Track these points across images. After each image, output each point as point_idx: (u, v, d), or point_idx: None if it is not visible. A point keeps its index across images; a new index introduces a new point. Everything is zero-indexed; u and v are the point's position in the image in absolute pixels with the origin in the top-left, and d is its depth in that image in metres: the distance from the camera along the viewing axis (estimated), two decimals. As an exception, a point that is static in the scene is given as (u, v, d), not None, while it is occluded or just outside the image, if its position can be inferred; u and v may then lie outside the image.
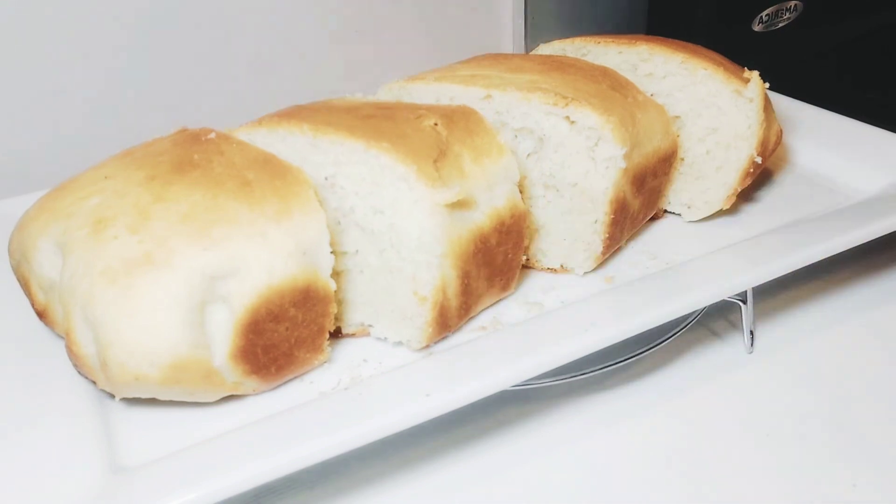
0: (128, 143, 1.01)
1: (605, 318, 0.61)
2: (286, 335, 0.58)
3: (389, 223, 0.61)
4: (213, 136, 0.64)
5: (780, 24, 1.42)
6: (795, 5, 1.41)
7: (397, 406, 0.54)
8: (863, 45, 1.43)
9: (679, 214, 0.82)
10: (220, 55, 1.09)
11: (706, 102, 0.77)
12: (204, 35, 1.06)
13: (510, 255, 0.66)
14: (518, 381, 0.57)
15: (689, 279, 0.66)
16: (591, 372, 0.66)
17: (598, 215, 0.70)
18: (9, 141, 0.99)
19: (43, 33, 0.96)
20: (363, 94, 0.75)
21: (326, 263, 0.59)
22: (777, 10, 1.40)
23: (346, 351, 0.65)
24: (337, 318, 0.64)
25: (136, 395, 0.56)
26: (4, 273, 0.67)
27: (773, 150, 0.80)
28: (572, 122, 0.69)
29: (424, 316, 0.61)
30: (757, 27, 1.39)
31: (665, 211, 0.83)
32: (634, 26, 1.51)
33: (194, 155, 0.61)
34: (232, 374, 0.57)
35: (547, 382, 0.64)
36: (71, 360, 0.57)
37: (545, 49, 0.88)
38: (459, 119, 0.65)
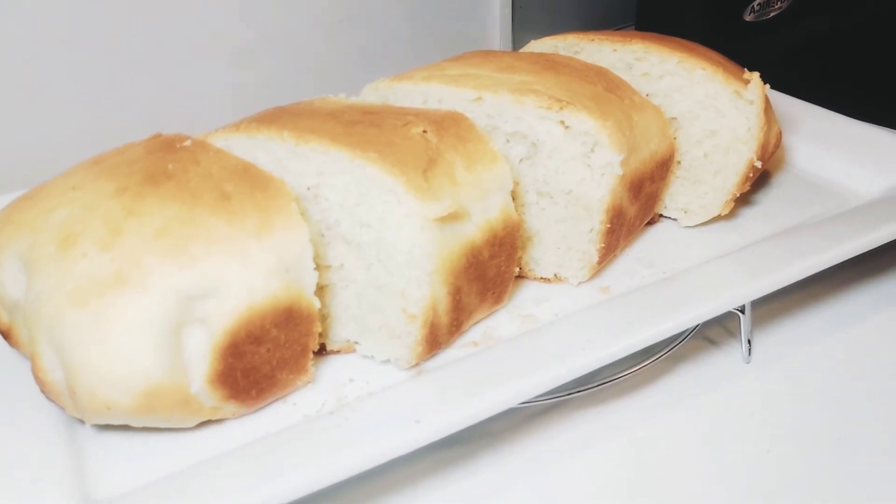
0: (99, 141, 0.97)
1: (601, 335, 0.59)
2: (267, 357, 0.55)
3: (377, 237, 0.58)
4: (188, 143, 0.60)
5: (772, 14, 1.40)
6: (787, -6, 1.39)
7: (386, 434, 0.51)
8: (857, 35, 1.41)
9: (675, 219, 0.79)
10: (197, 49, 1.04)
11: (704, 104, 0.75)
12: (180, 27, 1.02)
13: (503, 268, 0.64)
14: (512, 405, 0.55)
15: (687, 293, 0.64)
16: (586, 389, 0.63)
17: (593, 224, 0.67)
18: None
19: (9, 27, 0.91)
20: (346, 95, 0.71)
21: (310, 280, 0.56)
22: (769, 0, 1.38)
23: (330, 369, 0.62)
24: (321, 335, 0.61)
25: (108, 423, 0.53)
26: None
27: (773, 153, 0.78)
28: (567, 126, 0.66)
29: (414, 334, 0.58)
30: (748, 17, 1.37)
31: (660, 215, 0.80)
32: (623, 14, 1.48)
33: (168, 165, 0.57)
34: (210, 398, 0.54)
35: (540, 401, 0.61)
36: (37, 384, 0.54)
37: (537, 46, 0.84)
38: (450, 125, 0.62)
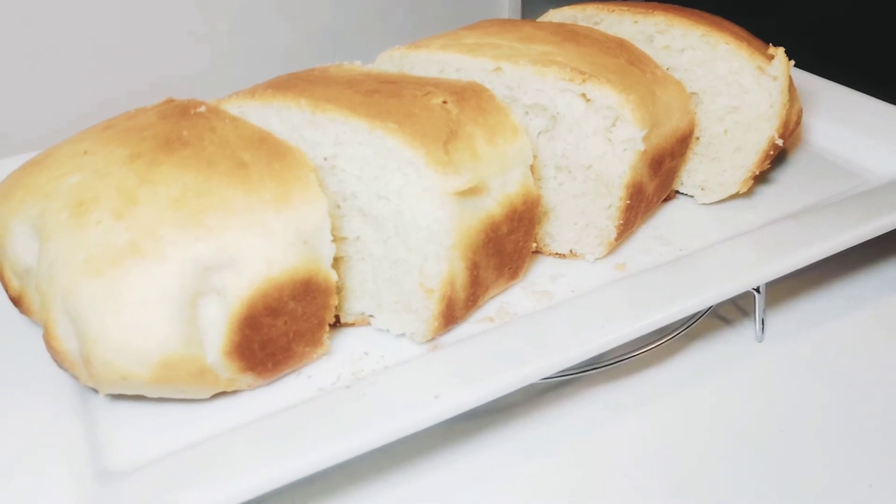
0: (107, 104, 0.96)
1: (618, 315, 0.58)
2: (284, 329, 0.55)
3: (395, 210, 0.57)
4: (202, 109, 0.59)
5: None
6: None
7: (405, 410, 0.51)
8: (879, 12, 1.38)
9: (692, 196, 0.78)
10: (206, 13, 1.01)
11: (727, 80, 0.73)
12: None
13: (521, 244, 0.63)
14: (529, 382, 0.54)
15: (704, 273, 0.64)
16: (601, 367, 0.63)
17: (612, 200, 0.66)
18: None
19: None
20: (361, 62, 0.70)
21: (328, 253, 0.55)
22: (787, -30, 1.34)
23: (345, 342, 0.61)
24: (336, 307, 0.60)
25: (123, 392, 0.53)
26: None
27: (793, 131, 0.77)
28: (589, 100, 0.64)
29: (431, 309, 0.58)
30: (769, -11, 1.34)
31: (677, 192, 0.79)
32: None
33: (183, 131, 0.56)
34: (226, 370, 0.53)
35: (555, 378, 0.61)
36: (50, 353, 0.53)
37: (555, 16, 0.82)
38: (470, 97, 0.61)
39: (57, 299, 0.50)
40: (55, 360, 0.53)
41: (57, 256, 0.51)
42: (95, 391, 0.54)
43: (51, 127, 0.92)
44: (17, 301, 0.57)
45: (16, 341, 0.59)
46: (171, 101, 0.62)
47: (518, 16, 1.29)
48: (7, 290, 0.57)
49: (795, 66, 0.73)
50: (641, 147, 0.64)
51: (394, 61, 0.72)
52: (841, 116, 0.87)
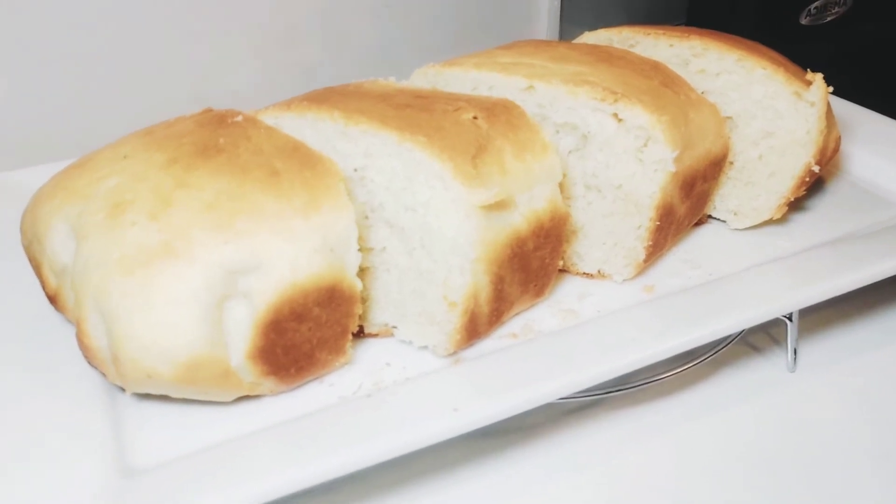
0: (149, 115, 0.98)
1: (644, 335, 0.57)
2: (308, 335, 0.55)
3: (421, 222, 0.57)
4: (239, 118, 0.60)
5: (829, 18, 1.36)
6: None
7: (423, 420, 0.51)
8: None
9: (724, 221, 0.77)
10: (247, 30, 1.04)
11: (762, 104, 0.73)
12: (230, 7, 1.02)
13: (547, 261, 0.63)
14: (550, 400, 0.54)
15: (734, 296, 0.63)
16: (625, 389, 0.62)
17: (642, 221, 0.66)
18: (28, 109, 0.95)
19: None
20: (395, 79, 0.71)
21: (354, 261, 0.56)
22: (826, 3, 1.34)
23: (368, 352, 0.61)
24: (360, 317, 0.61)
25: (148, 391, 0.54)
26: (17, 250, 0.64)
27: (831, 158, 0.75)
28: (620, 119, 0.64)
29: (453, 322, 0.58)
30: (804, 20, 1.34)
31: (709, 216, 0.78)
32: (670, 11, 1.45)
33: (220, 139, 0.58)
34: (249, 374, 0.54)
35: (578, 398, 0.60)
36: (81, 350, 0.54)
37: (590, 38, 0.83)
38: (501, 112, 0.61)
39: (89, 297, 0.52)
40: (86, 358, 0.55)
41: (91, 255, 0.52)
42: (122, 390, 0.55)
43: (94, 134, 0.95)
44: (53, 298, 0.59)
45: (51, 338, 0.61)
46: (209, 110, 0.64)
47: (555, 37, 1.30)
48: (44, 288, 0.59)
49: (834, 94, 0.72)
50: (672, 168, 0.63)
51: (428, 78, 0.73)
52: (880, 146, 0.86)
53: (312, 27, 1.09)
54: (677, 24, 1.46)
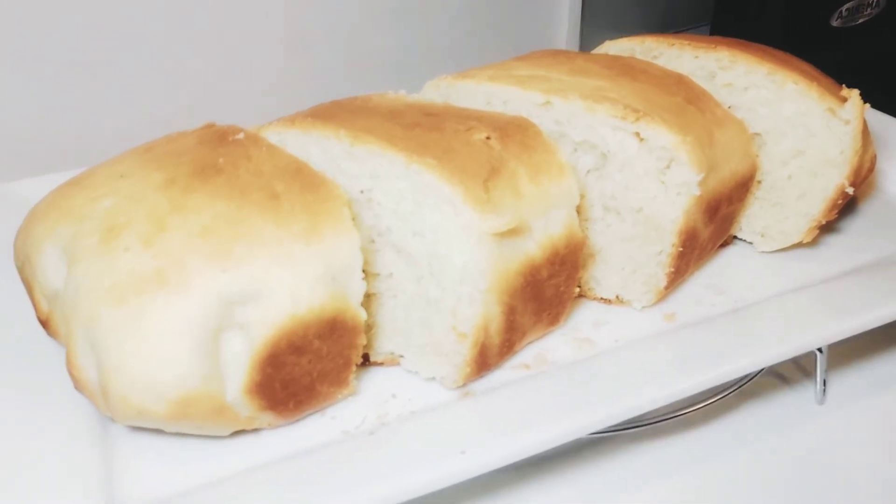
0: (154, 122, 0.96)
1: (667, 371, 0.54)
2: (308, 368, 0.52)
3: (430, 249, 0.54)
4: (241, 136, 0.58)
5: (861, 20, 1.32)
6: (878, 0, 1.31)
7: (427, 464, 0.48)
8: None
9: (750, 243, 0.74)
10: (254, 38, 1.01)
11: (793, 121, 0.69)
12: (237, 15, 0.99)
13: (562, 289, 0.59)
14: (563, 442, 0.50)
15: (761, 330, 0.59)
16: (644, 425, 0.59)
17: (663, 246, 0.62)
18: (31, 117, 0.93)
19: (61, 9, 0.90)
20: (406, 92, 0.68)
21: (358, 290, 0.53)
22: (858, 5, 1.30)
23: (373, 382, 0.59)
24: (365, 346, 0.58)
25: (140, 425, 0.51)
26: (10, 268, 0.62)
27: (865, 178, 0.71)
28: (642, 139, 0.61)
29: (462, 354, 0.55)
30: (835, 22, 1.29)
31: (734, 237, 0.74)
32: (692, 14, 1.41)
33: (219, 158, 0.55)
34: (246, 408, 0.51)
35: (597, 435, 0.57)
36: (71, 379, 0.52)
37: (611, 48, 0.79)
38: (515, 132, 0.58)
39: (79, 327, 0.49)
40: (76, 388, 0.52)
41: (82, 282, 0.50)
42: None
43: (99, 142, 0.93)
44: (45, 323, 0.56)
45: (42, 361, 0.58)
46: (211, 125, 0.61)
47: (576, 46, 1.26)
48: (36, 312, 0.57)
49: (865, 101, 0.68)
50: (697, 192, 0.60)
51: (440, 91, 0.70)
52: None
53: (322, 33, 1.06)
54: (701, 27, 1.42)
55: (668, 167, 0.60)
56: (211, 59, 1.00)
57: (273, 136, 0.60)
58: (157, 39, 0.96)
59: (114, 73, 0.95)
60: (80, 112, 0.95)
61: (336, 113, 0.60)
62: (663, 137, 0.59)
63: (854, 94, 0.66)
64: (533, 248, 0.56)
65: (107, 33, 0.93)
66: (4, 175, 0.81)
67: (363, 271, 0.53)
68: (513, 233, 0.54)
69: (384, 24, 1.09)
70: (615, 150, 0.62)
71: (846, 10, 1.30)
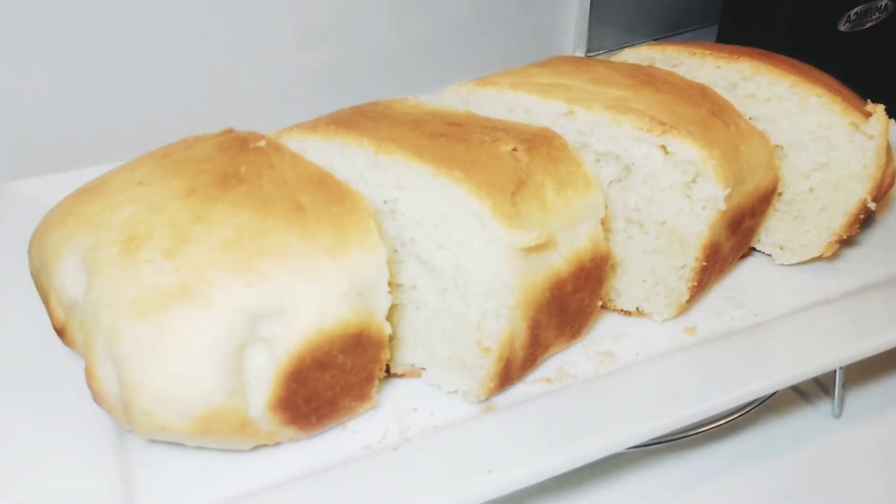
0: (165, 119, 0.95)
1: (689, 390, 0.54)
2: (331, 383, 0.52)
3: (455, 262, 0.54)
4: (262, 143, 0.57)
5: (869, 24, 1.32)
6: (886, 5, 1.30)
7: (454, 483, 0.47)
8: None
9: (769, 255, 0.73)
10: (273, 39, 1.00)
11: (815, 134, 0.68)
12: (247, 9, 0.97)
13: (585, 302, 0.59)
14: (588, 461, 0.50)
15: (782, 350, 0.59)
16: (664, 442, 0.58)
17: (687, 260, 0.62)
18: (43, 114, 0.92)
19: (81, 7, 0.88)
20: (426, 98, 0.67)
21: (383, 305, 0.52)
22: (866, 10, 1.29)
23: (394, 395, 0.58)
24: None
25: (160, 440, 0.50)
26: (21, 269, 0.60)
27: (887, 192, 0.71)
28: (668, 152, 0.60)
29: (486, 369, 0.54)
30: (843, 27, 1.29)
31: (753, 249, 0.74)
32: (701, 16, 1.40)
33: (241, 167, 0.54)
34: (269, 424, 0.50)
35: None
36: (90, 391, 0.51)
37: (631, 55, 0.78)
38: (542, 144, 0.57)
39: (100, 340, 0.48)
40: (95, 400, 0.51)
41: (103, 294, 0.49)
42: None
43: (109, 139, 0.92)
44: (60, 332, 0.55)
45: (58, 371, 0.57)
46: (230, 131, 0.60)
47: (583, 45, 1.25)
48: (52, 320, 0.56)
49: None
50: (723, 206, 0.59)
51: (460, 97, 0.69)
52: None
53: (331, 30, 1.05)
54: (705, 27, 1.41)
55: (693, 181, 0.60)
56: (221, 57, 0.98)
57: (293, 143, 0.59)
58: (167, 36, 0.94)
59: (123, 69, 0.93)
60: (88, 110, 0.93)
61: (358, 121, 0.59)
62: (690, 151, 0.59)
63: (879, 110, 0.65)
64: (559, 261, 0.55)
65: (117, 30, 0.91)
66: (13, 173, 0.79)
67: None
68: (540, 247, 0.53)
69: (392, 24, 1.07)
70: (639, 162, 0.61)
71: (854, 14, 1.30)
